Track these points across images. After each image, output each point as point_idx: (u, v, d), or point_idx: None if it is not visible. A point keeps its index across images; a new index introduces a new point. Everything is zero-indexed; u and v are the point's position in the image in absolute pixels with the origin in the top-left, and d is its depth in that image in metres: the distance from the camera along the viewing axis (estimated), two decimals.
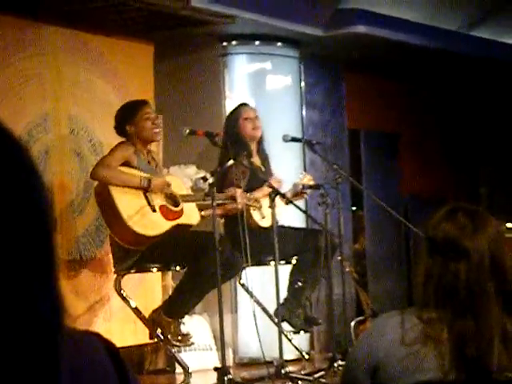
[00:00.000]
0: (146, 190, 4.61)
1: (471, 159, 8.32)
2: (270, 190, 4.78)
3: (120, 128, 4.74)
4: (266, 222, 4.99)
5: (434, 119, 8.09)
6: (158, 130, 4.78)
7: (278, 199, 4.84)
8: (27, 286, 0.68)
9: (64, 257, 5.00)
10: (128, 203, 4.54)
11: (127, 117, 4.72)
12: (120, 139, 4.74)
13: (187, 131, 4.67)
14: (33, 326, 0.68)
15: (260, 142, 5.26)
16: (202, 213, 4.83)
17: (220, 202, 4.78)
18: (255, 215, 5.02)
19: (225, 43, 6.17)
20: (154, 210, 4.62)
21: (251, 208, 4.95)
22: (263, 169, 5.22)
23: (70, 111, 5.18)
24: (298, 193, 5.22)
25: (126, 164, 4.63)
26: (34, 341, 0.68)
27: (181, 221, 4.69)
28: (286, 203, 5.04)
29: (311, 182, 5.28)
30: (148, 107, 4.80)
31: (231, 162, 4.75)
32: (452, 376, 1.88)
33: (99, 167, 4.56)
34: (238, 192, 4.83)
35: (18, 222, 0.69)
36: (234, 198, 4.81)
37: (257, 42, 6.20)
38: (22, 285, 0.68)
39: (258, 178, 5.02)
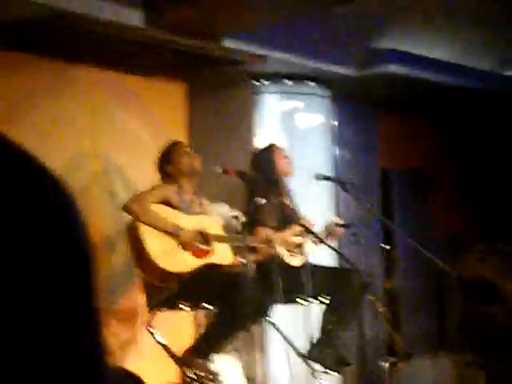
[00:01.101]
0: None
1: (503, 200, 8.25)
2: (302, 228, 4.78)
3: (162, 171, 4.79)
4: (295, 261, 4.98)
5: (467, 159, 8.04)
6: (197, 164, 4.81)
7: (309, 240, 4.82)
8: (74, 316, 0.68)
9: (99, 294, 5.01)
10: (157, 240, 4.54)
11: (166, 157, 4.79)
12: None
13: (220, 170, 4.70)
14: (76, 355, 0.68)
15: (288, 182, 5.27)
16: (239, 259, 4.81)
17: (253, 244, 4.78)
18: (285, 254, 5.01)
19: (256, 82, 6.21)
20: (184, 248, 4.62)
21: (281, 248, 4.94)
22: (293, 207, 5.22)
23: (105, 150, 5.24)
24: (330, 232, 5.20)
25: (166, 203, 4.65)
26: (76, 369, 0.68)
27: (211, 260, 4.69)
28: (318, 242, 5.03)
29: (342, 222, 5.27)
30: (183, 145, 4.88)
31: (263, 200, 4.75)
32: None
33: (133, 201, 4.56)
34: (274, 235, 4.81)
35: (65, 250, 0.69)
36: (268, 242, 4.80)
37: (288, 82, 6.23)
38: (71, 321, 0.68)
39: (290, 218, 5.01)
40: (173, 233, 4.57)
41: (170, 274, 4.52)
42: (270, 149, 5.30)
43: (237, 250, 4.78)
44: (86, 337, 0.70)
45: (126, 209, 4.57)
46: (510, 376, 1.87)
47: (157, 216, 4.57)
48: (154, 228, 4.55)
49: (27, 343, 0.65)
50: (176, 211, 4.68)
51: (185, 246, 4.61)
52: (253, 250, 4.83)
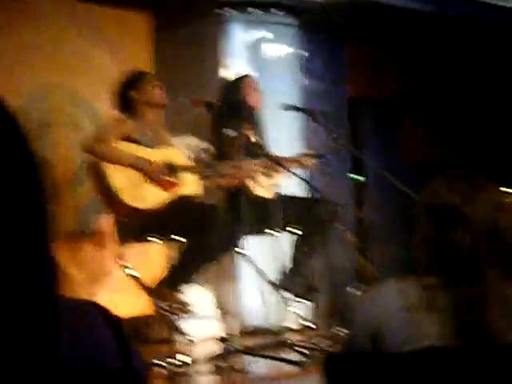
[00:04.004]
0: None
1: (472, 126, 8.30)
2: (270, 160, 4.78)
3: (124, 97, 4.62)
4: (264, 192, 4.99)
5: (434, 85, 8.05)
6: (163, 95, 4.73)
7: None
8: (27, 253, 0.69)
9: (65, 228, 5.01)
10: (121, 175, 4.46)
11: (133, 83, 4.63)
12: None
13: (186, 101, 4.65)
14: (33, 289, 0.69)
15: (257, 114, 5.24)
16: (204, 181, 4.77)
17: (223, 172, 4.75)
18: (253, 185, 5.02)
19: (223, 11, 6.12)
20: (151, 182, 4.58)
21: (249, 179, 4.94)
22: (260, 140, 5.21)
23: (69, 82, 5.16)
24: (300, 163, 5.21)
25: (126, 139, 4.57)
26: (34, 303, 0.69)
27: (180, 192, 4.67)
28: (287, 173, 5.04)
29: (311, 152, 5.27)
30: (151, 75, 4.79)
31: (231, 131, 4.73)
32: (453, 342, 1.89)
33: (94, 141, 4.42)
34: (243, 162, 4.79)
35: (14, 190, 0.69)
36: (238, 168, 4.75)
37: (255, 10, 6.15)
38: (22, 252, 0.68)
39: (257, 149, 5.00)
40: (141, 167, 4.51)
41: (138, 210, 4.49)
42: (241, 80, 5.25)
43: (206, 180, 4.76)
44: (39, 264, 0.70)
45: (88, 150, 4.43)
46: (473, 298, 1.90)
47: (122, 153, 4.46)
48: (122, 165, 4.46)
49: None
50: (139, 146, 4.59)
51: (153, 179, 4.56)
52: (222, 177, 4.81)
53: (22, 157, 0.72)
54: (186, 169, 4.73)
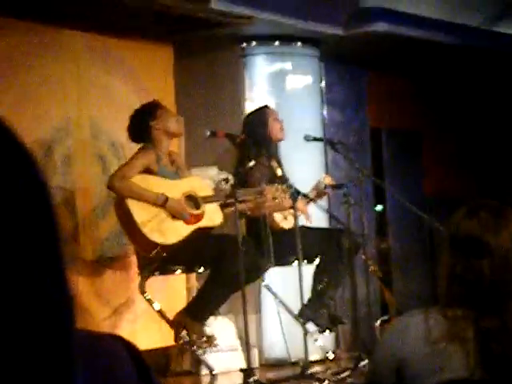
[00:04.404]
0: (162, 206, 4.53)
1: (493, 158, 8.26)
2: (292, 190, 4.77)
3: (142, 126, 4.63)
4: (287, 224, 4.98)
5: (456, 117, 8.03)
6: (181, 126, 4.75)
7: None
8: (39, 280, 0.66)
9: (88, 259, 5.02)
10: (144, 211, 4.47)
11: (151, 112, 4.65)
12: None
13: (208, 133, 4.67)
14: (45, 320, 0.65)
15: (277, 145, 5.25)
16: (226, 210, 4.75)
17: (245, 198, 4.73)
18: (277, 217, 5.01)
19: (244, 44, 6.16)
20: (174, 216, 4.58)
21: (273, 211, 4.93)
22: (280, 172, 5.19)
23: (92, 115, 5.20)
24: (320, 193, 5.20)
25: (147, 171, 4.59)
26: (46, 337, 0.66)
27: (202, 224, 4.66)
28: (308, 202, 5.03)
29: (333, 182, 5.26)
30: (167, 107, 4.83)
31: (253, 163, 4.74)
32: (478, 374, 1.86)
33: (115, 178, 4.46)
34: (266, 186, 4.76)
35: (25, 215, 0.67)
36: (260, 193, 4.73)
37: (276, 43, 6.18)
38: (34, 278, 0.66)
39: (280, 180, 5.00)
40: (158, 204, 4.52)
41: (161, 245, 4.48)
42: (264, 111, 5.25)
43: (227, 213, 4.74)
44: (52, 293, 0.67)
45: (110, 187, 4.50)
46: (498, 329, 1.88)
47: (140, 189, 4.47)
48: (140, 201, 4.49)
49: None
50: (160, 178, 4.60)
51: (174, 214, 4.56)
52: (244, 203, 4.78)
53: (33, 177, 0.70)
54: (208, 199, 4.72)
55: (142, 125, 4.65)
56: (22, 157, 0.70)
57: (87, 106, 5.19)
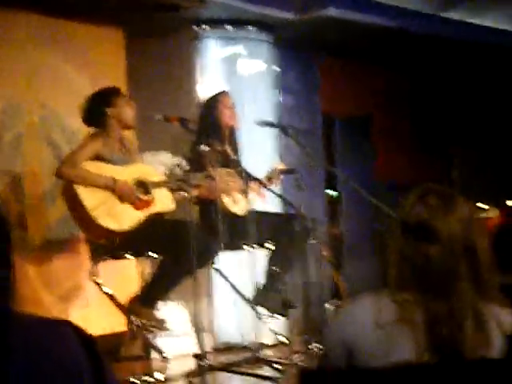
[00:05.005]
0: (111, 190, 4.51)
1: (443, 141, 8.36)
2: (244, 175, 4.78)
3: (97, 111, 4.59)
4: (238, 208, 4.99)
5: (407, 102, 8.10)
6: (134, 117, 4.72)
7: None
8: None
9: (36, 244, 4.97)
10: (94, 197, 4.44)
11: (109, 99, 4.62)
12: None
13: (161, 117, 4.64)
14: None
15: (233, 131, 5.25)
16: (177, 195, 4.74)
17: (197, 182, 4.72)
18: (227, 200, 5.01)
19: (197, 28, 6.13)
20: (123, 201, 4.53)
21: (224, 195, 4.94)
22: (233, 156, 5.19)
23: (41, 98, 5.13)
24: (273, 177, 5.22)
25: (98, 157, 4.55)
26: None
27: (154, 209, 4.64)
28: (260, 187, 5.05)
29: (285, 167, 5.28)
30: (124, 94, 4.77)
31: (205, 147, 4.73)
32: (426, 357, 1.89)
33: (64, 166, 4.43)
34: (218, 169, 4.76)
35: None
36: (212, 177, 4.72)
37: (229, 27, 6.16)
38: None
39: (232, 165, 5.00)
40: (108, 187, 4.49)
41: (111, 231, 4.45)
42: (215, 97, 5.25)
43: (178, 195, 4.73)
44: None
45: (59, 174, 4.46)
46: (445, 313, 1.91)
47: (88, 174, 4.44)
48: (89, 186, 4.44)
49: None
50: (109, 165, 4.56)
51: (123, 198, 4.53)
52: (195, 188, 4.77)
53: None
54: (158, 184, 4.69)
55: (98, 110, 4.61)
56: None
57: (36, 88, 5.12)
